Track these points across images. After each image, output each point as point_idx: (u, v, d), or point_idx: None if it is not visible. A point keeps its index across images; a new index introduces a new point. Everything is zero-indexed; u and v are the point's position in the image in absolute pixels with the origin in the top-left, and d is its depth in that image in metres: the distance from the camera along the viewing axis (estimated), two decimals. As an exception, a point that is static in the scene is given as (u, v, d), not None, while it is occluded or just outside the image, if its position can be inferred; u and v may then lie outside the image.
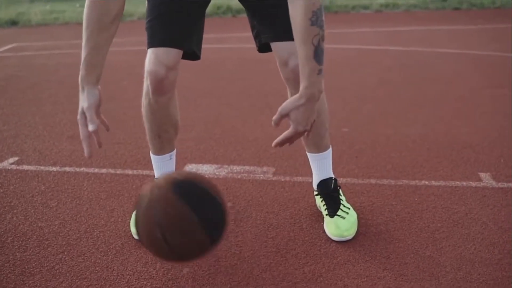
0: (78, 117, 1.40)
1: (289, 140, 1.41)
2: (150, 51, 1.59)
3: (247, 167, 2.32)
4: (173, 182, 1.26)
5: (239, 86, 3.82)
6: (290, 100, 1.37)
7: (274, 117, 1.37)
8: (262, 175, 2.23)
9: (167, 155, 1.82)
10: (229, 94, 3.64)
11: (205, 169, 2.30)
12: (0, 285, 1.54)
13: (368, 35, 5.94)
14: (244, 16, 1.76)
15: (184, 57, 1.63)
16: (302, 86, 1.35)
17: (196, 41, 1.65)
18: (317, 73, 1.34)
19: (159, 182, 1.28)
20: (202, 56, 1.70)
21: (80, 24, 1.43)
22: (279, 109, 1.37)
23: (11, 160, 2.51)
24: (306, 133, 1.42)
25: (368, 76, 4.04)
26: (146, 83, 1.64)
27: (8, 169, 2.41)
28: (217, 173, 2.26)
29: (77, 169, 2.37)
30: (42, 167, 2.41)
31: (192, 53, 1.64)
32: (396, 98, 3.41)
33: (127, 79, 4.11)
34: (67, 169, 2.38)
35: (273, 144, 1.41)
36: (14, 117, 3.23)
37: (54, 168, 2.39)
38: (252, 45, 1.71)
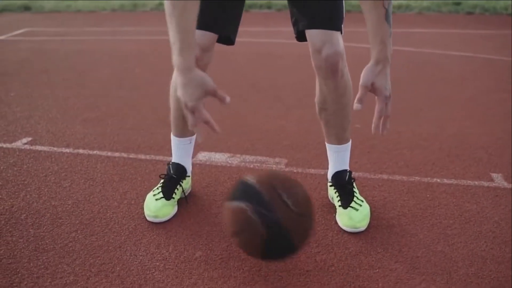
0: (193, 104, 1.28)
1: (383, 112, 1.38)
2: None
3: (259, 157, 2.32)
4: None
5: (250, 79, 3.82)
6: (368, 70, 1.36)
7: (358, 95, 1.34)
8: (274, 166, 2.24)
9: (188, 138, 1.84)
10: (240, 87, 3.64)
11: (218, 158, 2.31)
12: (14, 260, 1.55)
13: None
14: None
15: (220, 41, 1.67)
16: (376, 50, 1.36)
17: (232, 27, 1.69)
18: (389, 35, 1.36)
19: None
20: (215, 48, 1.72)
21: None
22: (361, 83, 1.35)
23: (24, 140, 2.53)
24: (385, 102, 1.39)
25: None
26: None
27: (22, 149, 2.42)
28: (229, 162, 2.27)
29: (90, 152, 2.38)
30: (55, 148, 2.42)
31: (227, 38, 1.68)
32: (408, 97, 3.40)
33: (140, 67, 4.12)
34: (80, 151, 2.39)
35: (373, 131, 1.38)
36: (28, 99, 3.24)
37: (67, 150, 2.40)
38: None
